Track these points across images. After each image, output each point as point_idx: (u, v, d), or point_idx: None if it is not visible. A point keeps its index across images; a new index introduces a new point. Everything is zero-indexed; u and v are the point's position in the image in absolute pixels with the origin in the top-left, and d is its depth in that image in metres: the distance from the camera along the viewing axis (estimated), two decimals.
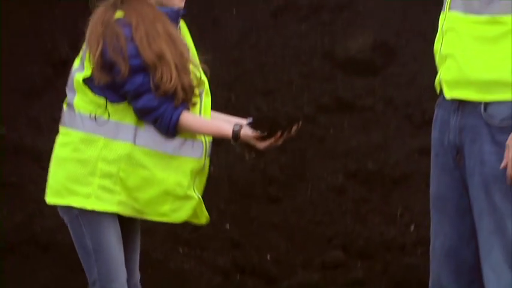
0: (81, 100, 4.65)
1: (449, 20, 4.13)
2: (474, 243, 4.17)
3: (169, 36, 4.64)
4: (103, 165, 4.62)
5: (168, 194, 4.63)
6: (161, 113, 4.55)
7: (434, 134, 4.36)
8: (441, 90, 4.25)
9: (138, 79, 4.52)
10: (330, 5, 9.81)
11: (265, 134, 4.51)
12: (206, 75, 4.95)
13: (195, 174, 4.70)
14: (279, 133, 4.54)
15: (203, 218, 4.84)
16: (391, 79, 9.34)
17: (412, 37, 8.85)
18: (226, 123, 4.71)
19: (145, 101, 4.51)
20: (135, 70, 4.52)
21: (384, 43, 9.38)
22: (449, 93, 4.16)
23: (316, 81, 9.46)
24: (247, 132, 4.53)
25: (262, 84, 9.43)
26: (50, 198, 4.79)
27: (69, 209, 4.69)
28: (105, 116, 4.63)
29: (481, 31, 4.01)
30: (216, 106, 8.89)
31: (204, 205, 4.80)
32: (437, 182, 4.34)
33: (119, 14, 4.68)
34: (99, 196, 4.63)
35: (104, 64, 4.57)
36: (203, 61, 4.98)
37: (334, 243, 8.44)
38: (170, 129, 4.57)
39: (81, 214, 4.66)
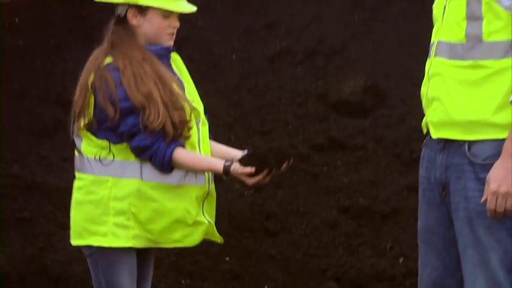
0: (87, 145, 4.62)
1: (435, 65, 4.14)
2: (459, 275, 4.17)
3: (158, 75, 4.59)
4: (115, 203, 4.59)
5: (178, 222, 4.60)
6: (154, 151, 4.51)
7: (422, 171, 4.33)
8: (428, 131, 4.25)
9: (130, 120, 4.50)
10: (324, 50, 9.89)
11: (254, 170, 4.42)
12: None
13: (202, 200, 4.67)
14: (266, 170, 4.43)
15: (217, 238, 4.84)
16: (381, 120, 9.39)
17: (400, 81, 8.89)
18: (217, 160, 4.61)
19: (138, 140, 4.49)
20: (126, 112, 4.50)
21: (374, 86, 9.44)
22: (435, 134, 4.16)
23: (310, 121, 9.49)
24: (237, 168, 4.45)
25: (260, 124, 9.47)
26: (73, 241, 4.77)
27: (89, 248, 4.68)
28: (110, 157, 4.60)
29: (464, 75, 4.03)
30: None
31: (215, 228, 4.78)
32: (424, 216, 4.32)
33: (108, 60, 4.65)
34: (115, 233, 4.59)
35: (97, 109, 4.57)
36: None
37: (328, 274, 8.40)
38: (164, 166, 4.52)
39: (99, 252, 4.64)
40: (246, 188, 8.70)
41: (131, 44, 4.66)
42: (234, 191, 8.54)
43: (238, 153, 4.70)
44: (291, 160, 4.53)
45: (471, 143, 4.04)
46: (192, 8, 4.73)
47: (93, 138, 4.59)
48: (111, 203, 4.58)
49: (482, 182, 3.98)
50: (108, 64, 4.62)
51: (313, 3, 10.47)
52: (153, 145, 4.50)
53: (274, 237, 8.37)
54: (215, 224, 4.80)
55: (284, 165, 4.47)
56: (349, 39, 9.88)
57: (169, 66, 4.76)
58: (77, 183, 4.74)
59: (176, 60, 4.89)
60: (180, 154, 4.50)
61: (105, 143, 4.57)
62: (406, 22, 9.05)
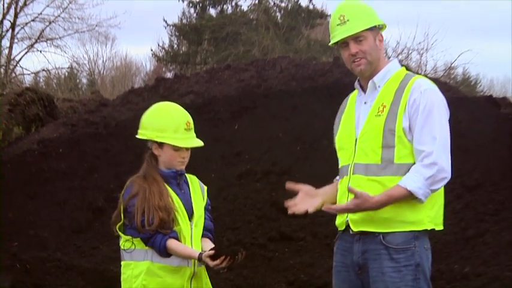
0: (122, 240, 4.57)
1: (353, 180, 4.03)
2: None
3: (160, 194, 4.45)
4: (134, 279, 4.52)
5: None
6: (152, 242, 4.42)
7: (337, 257, 4.23)
8: (345, 228, 4.11)
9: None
10: (276, 171, 10.24)
11: (214, 260, 4.23)
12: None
13: (190, 277, 4.51)
14: (222, 258, 4.22)
15: None
16: (316, 219, 9.48)
17: None
18: (196, 250, 4.42)
19: (143, 235, 4.43)
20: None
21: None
22: (356, 228, 4.06)
23: (266, 221, 9.68)
24: (205, 257, 4.26)
25: (231, 223, 9.63)
26: None
27: None
28: (133, 247, 4.51)
29: (379, 187, 3.98)
30: None
31: None
32: None
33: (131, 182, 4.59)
34: None
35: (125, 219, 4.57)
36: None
37: None
38: (161, 251, 4.43)
39: None
40: (221, 268, 8.70)
41: (153, 168, 4.56)
42: (212, 270, 8.42)
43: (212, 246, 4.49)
44: (242, 253, 4.31)
45: (385, 234, 3.99)
46: (197, 144, 4.60)
47: (123, 235, 4.54)
48: (133, 279, 4.52)
49: (395, 261, 3.98)
50: (127, 188, 4.55)
51: (268, 138, 10.89)
52: (151, 238, 4.42)
53: None
54: None
55: (238, 256, 4.28)
56: (293, 163, 10.17)
57: (177, 185, 4.62)
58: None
59: (193, 181, 4.74)
60: (171, 244, 4.41)
61: (129, 237, 4.50)
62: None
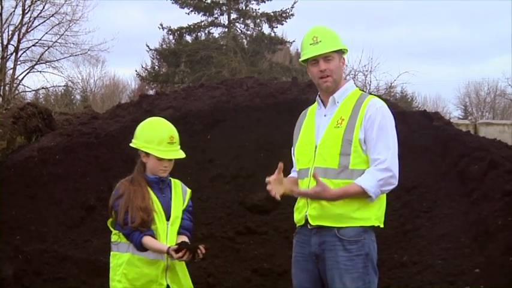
0: (112, 234, 4.58)
1: (313, 182, 4.03)
2: None
3: (143, 196, 4.47)
4: (118, 268, 4.53)
5: (152, 281, 4.50)
6: (132, 237, 4.43)
7: (297, 249, 4.25)
8: (304, 223, 4.15)
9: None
10: (242, 175, 10.21)
11: (177, 253, 4.31)
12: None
13: (165, 269, 4.52)
14: (183, 252, 4.30)
15: None
16: (277, 216, 9.56)
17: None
18: (165, 245, 4.42)
19: (123, 231, 4.46)
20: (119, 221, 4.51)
21: (272, 197, 9.64)
22: (314, 222, 4.07)
23: (235, 217, 9.63)
24: (171, 250, 4.31)
25: (204, 219, 9.53)
26: None
27: None
28: (119, 240, 4.53)
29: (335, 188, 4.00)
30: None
31: (175, 285, 4.58)
32: (298, 277, 4.25)
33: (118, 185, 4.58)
34: (116, 286, 4.54)
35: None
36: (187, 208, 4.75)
37: None
38: (138, 246, 4.43)
39: None
40: (183, 260, 8.58)
41: (142, 174, 4.58)
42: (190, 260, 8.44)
43: (184, 241, 4.52)
44: (201, 250, 4.36)
45: (339, 228, 4.03)
46: (177, 156, 4.60)
47: (112, 230, 4.58)
48: (117, 268, 4.54)
49: (348, 251, 4.01)
50: (115, 191, 4.58)
51: (236, 147, 10.85)
52: (131, 234, 4.43)
53: None
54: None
55: (198, 252, 4.34)
56: (257, 168, 10.02)
57: (159, 189, 4.60)
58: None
59: (176, 185, 4.76)
60: (146, 240, 4.40)
61: (116, 231, 4.54)
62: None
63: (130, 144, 4.66)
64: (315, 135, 4.19)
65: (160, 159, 4.56)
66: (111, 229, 4.60)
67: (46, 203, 9.59)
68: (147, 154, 4.58)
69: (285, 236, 9.06)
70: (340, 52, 4.22)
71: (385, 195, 4.16)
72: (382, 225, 4.15)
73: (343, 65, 4.25)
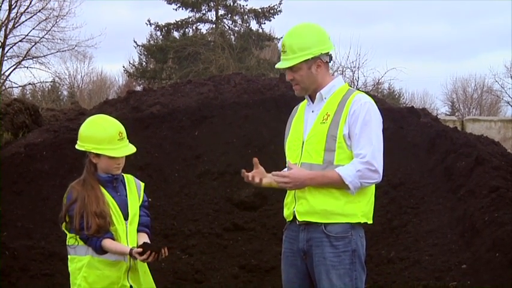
0: (68, 237, 4.45)
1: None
2: None
3: (97, 200, 4.36)
4: (77, 271, 4.42)
5: (113, 284, 4.42)
6: (90, 242, 4.32)
7: (286, 244, 4.24)
8: (293, 219, 4.15)
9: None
10: (230, 171, 10.17)
11: (143, 255, 4.25)
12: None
13: (127, 271, 4.45)
14: (148, 253, 4.24)
15: None
16: (265, 213, 9.59)
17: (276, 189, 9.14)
18: (127, 247, 4.36)
19: (81, 235, 4.33)
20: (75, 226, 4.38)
21: (260, 193, 9.61)
22: (301, 218, 4.07)
23: (222, 214, 9.63)
24: (135, 253, 4.26)
25: (192, 215, 9.53)
26: None
27: None
28: (76, 243, 4.40)
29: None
30: (164, 230, 8.96)
31: (135, 285, 4.49)
32: (286, 273, 4.25)
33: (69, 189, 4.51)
34: None
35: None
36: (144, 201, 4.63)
37: None
38: (98, 250, 4.34)
39: None
40: (183, 253, 8.64)
41: (93, 175, 4.47)
42: (176, 255, 8.45)
43: (145, 242, 4.45)
44: (165, 250, 4.28)
45: (326, 224, 4.02)
46: (129, 151, 4.49)
47: (68, 233, 4.47)
48: (76, 272, 4.44)
49: (335, 247, 4.01)
50: (68, 194, 4.48)
51: (223, 143, 10.82)
52: (89, 239, 4.33)
53: (200, 284, 8.06)
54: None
55: (161, 252, 4.27)
56: (245, 165, 9.95)
57: (113, 188, 4.51)
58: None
59: (130, 181, 4.65)
60: (105, 243, 4.33)
61: (72, 235, 4.41)
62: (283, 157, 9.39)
63: (77, 147, 4.55)
64: (303, 131, 4.19)
65: (113, 158, 4.46)
66: (66, 232, 4.49)
67: (33, 199, 9.53)
68: (97, 154, 4.46)
69: (273, 233, 9.09)
70: (311, 59, 4.13)
71: (373, 191, 4.16)
72: (369, 221, 4.14)
73: (319, 67, 4.15)
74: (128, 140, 4.56)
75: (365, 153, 3.97)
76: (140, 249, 4.27)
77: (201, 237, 9.01)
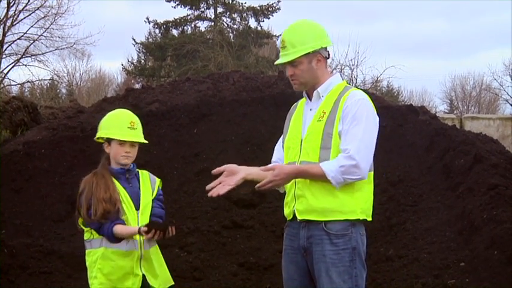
0: (84, 232, 4.55)
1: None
2: None
3: (107, 187, 4.43)
4: (93, 264, 4.50)
5: (127, 274, 4.50)
6: (102, 230, 4.39)
7: (286, 241, 4.26)
8: (293, 217, 4.15)
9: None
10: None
11: (149, 233, 4.33)
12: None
13: (139, 259, 4.53)
14: (153, 232, 4.31)
15: (153, 284, 4.63)
16: (263, 210, 9.61)
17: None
18: (135, 228, 4.41)
19: (92, 225, 4.42)
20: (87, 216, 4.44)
21: (259, 191, 9.61)
22: (301, 216, 4.08)
23: (221, 211, 9.64)
24: (142, 231, 4.31)
25: (190, 213, 9.56)
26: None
27: None
28: (91, 237, 4.49)
29: (318, 184, 4.01)
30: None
31: (150, 275, 4.58)
32: (287, 270, 4.25)
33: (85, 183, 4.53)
34: (93, 282, 4.51)
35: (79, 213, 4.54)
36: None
37: None
38: (110, 238, 4.42)
39: None
40: (181, 251, 8.65)
41: (105, 167, 4.57)
42: (174, 253, 8.47)
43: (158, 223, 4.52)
44: (172, 228, 4.38)
45: (326, 222, 4.02)
46: (138, 139, 4.59)
47: (84, 228, 4.54)
48: (92, 265, 4.52)
49: (335, 245, 4.02)
50: (80, 186, 4.54)
51: (222, 141, 10.85)
52: (100, 227, 4.40)
53: (199, 282, 8.04)
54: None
55: (168, 230, 4.35)
56: (243, 163, 9.91)
57: (126, 180, 4.59)
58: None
59: (144, 175, 4.71)
60: (117, 229, 4.39)
61: (88, 228, 4.49)
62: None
63: (94, 139, 4.70)
64: (302, 129, 4.19)
65: (121, 144, 4.57)
66: (83, 228, 4.57)
67: (32, 197, 9.57)
68: (109, 143, 4.59)
69: (271, 230, 9.10)
70: (311, 53, 4.13)
71: (371, 188, 4.15)
72: (368, 218, 4.14)
73: (320, 62, 4.16)
74: (141, 133, 4.65)
75: (350, 148, 3.94)
76: (146, 229, 4.34)
77: (200, 235, 9.01)
